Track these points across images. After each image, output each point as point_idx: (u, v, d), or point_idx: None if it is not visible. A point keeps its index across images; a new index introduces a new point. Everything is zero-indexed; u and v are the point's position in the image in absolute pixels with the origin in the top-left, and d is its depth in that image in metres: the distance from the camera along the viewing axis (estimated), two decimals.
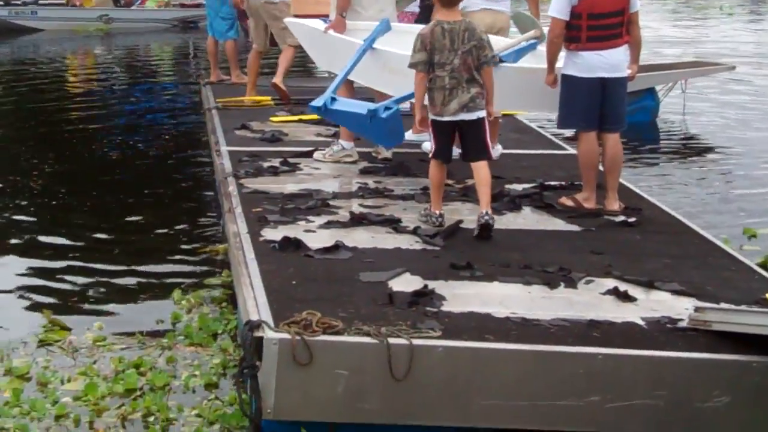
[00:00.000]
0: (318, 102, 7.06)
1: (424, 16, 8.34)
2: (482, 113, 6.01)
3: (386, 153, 7.71)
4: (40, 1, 21.58)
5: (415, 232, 5.88)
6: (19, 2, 21.74)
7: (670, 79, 11.47)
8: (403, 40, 7.19)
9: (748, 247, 6.54)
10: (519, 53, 7.21)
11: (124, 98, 13.86)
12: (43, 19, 20.93)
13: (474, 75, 5.97)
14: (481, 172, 6.05)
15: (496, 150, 7.48)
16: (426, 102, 6.09)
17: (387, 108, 6.78)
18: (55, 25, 20.82)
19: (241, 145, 8.11)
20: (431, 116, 6.07)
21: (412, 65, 6.02)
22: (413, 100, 6.31)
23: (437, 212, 6.08)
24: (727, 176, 9.45)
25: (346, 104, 7.04)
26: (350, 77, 7.37)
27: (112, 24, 21.03)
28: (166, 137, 10.82)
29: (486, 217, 5.84)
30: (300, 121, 8.99)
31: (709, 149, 10.57)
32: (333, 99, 7.03)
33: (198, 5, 21.41)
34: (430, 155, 6.18)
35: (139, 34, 20.51)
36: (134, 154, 10.19)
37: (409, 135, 7.57)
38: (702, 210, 7.94)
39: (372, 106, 6.88)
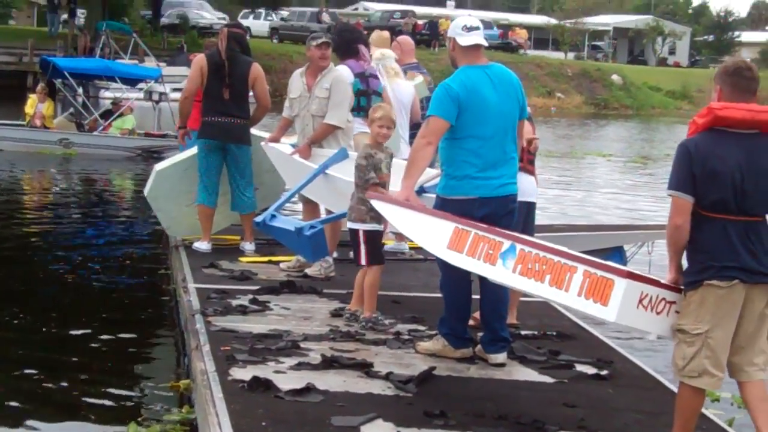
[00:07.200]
0: (259, 218, 8.10)
1: None
2: None
3: (316, 272, 8.29)
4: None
5: (387, 377, 5.81)
6: None
7: (638, 240, 11.61)
8: None
9: (712, 411, 6.52)
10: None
11: (80, 225, 13.72)
12: (2, 139, 20.62)
13: None
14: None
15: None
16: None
17: (312, 227, 7.57)
18: (14, 145, 20.46)
19: (209, 283, 8.05)
20: (375, 227, 6.96)
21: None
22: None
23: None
24: None
25: (281, 222, 7.93)
26: (307, 194, 8.38)
27: (71, 148, 20.77)
28: (124, 268, 10.71)
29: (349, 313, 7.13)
30: (269, 261, 8.96)
31: None
32: (273, 216, 7.93)
33: (164, 135, 21.34)
34: (365, 263, 7.00)
35: (99, 161, 20.27)
36: (90, 281, 10.05)
37: (391, 246, 9.18)
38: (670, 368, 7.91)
39: (299, 224, 7.79)
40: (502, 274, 5.12)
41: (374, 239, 7.00)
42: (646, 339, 8.77)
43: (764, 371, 4.86)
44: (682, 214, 4.73)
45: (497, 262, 5.13)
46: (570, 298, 4.74)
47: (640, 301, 4.62)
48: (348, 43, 8.66)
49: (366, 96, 8.67)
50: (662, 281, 4.79)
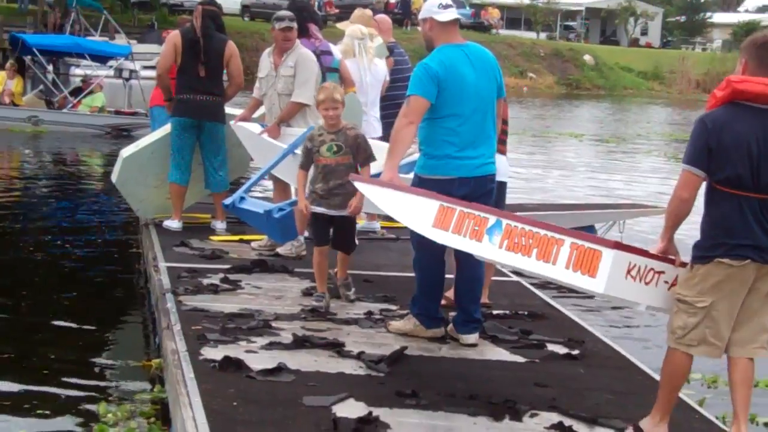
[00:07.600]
0: (228, 200, 8.17)
1: None
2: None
3: (288, 251, 8.30)
4: None
5: (359, 357, 5.80)
6: None
7: (609, 219, 11.68)
8: None
9: (684, 391, 6.56)
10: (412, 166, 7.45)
11: (50, 203, 13.59)
12: None
13: None
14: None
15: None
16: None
17: (281, 209, 7.74)
18: None
19: (179, 262, 8.01)
20: (315, 209, 6.94)
21: None
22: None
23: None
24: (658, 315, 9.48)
25: (250, 204, 8.05)
26: (276, 174, 8.37)
27: (41, 126, 20.54)
28: (95, 246, 10.62)
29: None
30: (241, 240, 8.92)
31: None
32: (242, 198, 8.04)
33: (134, 113, 21.18)
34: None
35: (68, 138, 20.03)
36: (60, 260, 9.96)
37: (362, 226, 9.00)
38: (641, 348, 7.96)
39: (268, 206, 7.91)
40: (489, 250, 5.08)
41: (316, 220, 6.98)
42: (617, 319, 8.82)
43: (765, 349, 4.80)
44: (690, 188, 4.66)
45: (483, 238, 5.11)
46: (558, 271, 4.71)
47: (629, 271, 4.58)
48: (298, 22, 8.59)
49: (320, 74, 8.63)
50: (650, 251, 4.76)
